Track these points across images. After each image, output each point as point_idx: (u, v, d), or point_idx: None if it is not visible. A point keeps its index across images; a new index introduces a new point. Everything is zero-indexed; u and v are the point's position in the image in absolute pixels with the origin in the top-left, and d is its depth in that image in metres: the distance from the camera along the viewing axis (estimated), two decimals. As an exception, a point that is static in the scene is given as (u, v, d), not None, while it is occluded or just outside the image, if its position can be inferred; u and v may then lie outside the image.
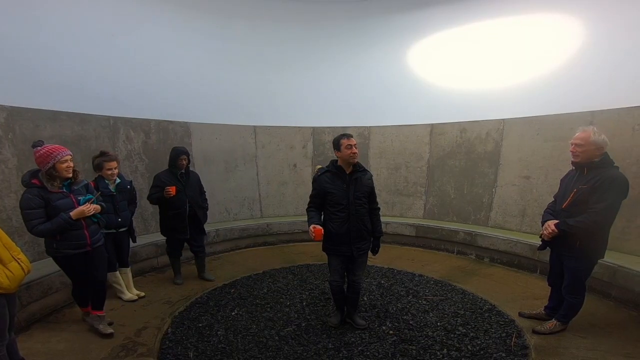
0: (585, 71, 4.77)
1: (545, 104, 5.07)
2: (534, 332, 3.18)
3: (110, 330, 3.22)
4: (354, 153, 3.03)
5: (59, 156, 2.84)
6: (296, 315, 3.61)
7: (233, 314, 3.66)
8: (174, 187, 4.05)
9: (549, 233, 2.99)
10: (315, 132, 6.65)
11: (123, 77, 5.23)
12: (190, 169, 4.58)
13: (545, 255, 4.47)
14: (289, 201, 6.64)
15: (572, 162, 2.98)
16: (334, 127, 6.54)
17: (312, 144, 6.67)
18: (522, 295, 3.98)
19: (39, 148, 2.83)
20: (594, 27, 4.79)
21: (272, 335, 3.24)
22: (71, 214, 2.88)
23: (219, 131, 6.10)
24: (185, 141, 5.76)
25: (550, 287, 3.39)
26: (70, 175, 2.95)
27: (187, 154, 4.28)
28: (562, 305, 3.16)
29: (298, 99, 6.61)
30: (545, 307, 3.43)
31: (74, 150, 4.49)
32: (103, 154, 3.71)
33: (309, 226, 3.01)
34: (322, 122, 6.59)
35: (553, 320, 3.21)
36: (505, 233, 5.11)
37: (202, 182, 4.61)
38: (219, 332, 3.30)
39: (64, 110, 4.49)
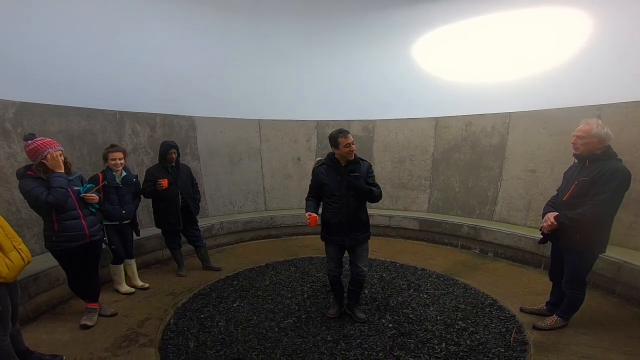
0: (592, 65, 4.66)
1: (551, 98, 4.98)
2: (534, 327, 3.16)
3: (88, 322, 3.26)
4: (352, 151, 3.07)
5: (50, 149, 2.89)
6: (297, 307, 3.65)
7: (235, 305, 3.72)
8: (166, 180, 4.12)
9: (549, 225, 2.96)
10: (319, 125, 6.64)
11: (128, 72, 5.27)
12: (190, 162, 4.61)
13: (549, 251, 4.44)
14: (293, 194, 6.67)
15: (574, 154, 2.96)
16: (338, 120, 6.52)
17: (316, 138, 6.67)
18: (525, 291, 3.94)
19: (29, 142, 2.86)
20: (601, 20, 4.65)
21: (272, 327, 3.28)
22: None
23: (223, 125, 6.14)
24: (190, 135, 5.82)
25: (551, 283, 3.35)
26: (62, 168, 3.01)
27: (177, 148, 4.35)
28: (563, 301, 3.14)
29: (302, 93, 6.59)
30: (547, 303, 3.41)
31: (81, 144, 4.61)
32: (112, 146, 3.80)
33: (305, 214, 3.13)
34: (326, 115, 6.57)
35: (554, 316, 3.18)
36: (509, 227, 5.06)
37: (207, 176, 4.65)
38: (219, 323, 3.36)
39: (71, 105, 4.56)
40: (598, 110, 4.52)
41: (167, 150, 4.26)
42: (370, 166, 3.27)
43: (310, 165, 6.64)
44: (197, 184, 4.72)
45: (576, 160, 3.02)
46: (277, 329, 3.25)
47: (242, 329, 3.26)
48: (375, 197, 3.15)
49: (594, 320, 3.28)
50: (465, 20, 5.78)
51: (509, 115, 5.39)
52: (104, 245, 3.60)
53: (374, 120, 6.51)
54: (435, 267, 4.68)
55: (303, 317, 3.45)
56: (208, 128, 6.01)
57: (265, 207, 6.56)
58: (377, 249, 5.32)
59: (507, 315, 3.43)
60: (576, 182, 2.86)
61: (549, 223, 2.96)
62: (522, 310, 3.50)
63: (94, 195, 3.15)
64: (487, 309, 3.55)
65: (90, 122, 4.75)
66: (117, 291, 4.01)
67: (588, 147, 2.80)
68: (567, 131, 4.76)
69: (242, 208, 6.35)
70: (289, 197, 6.66)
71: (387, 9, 6.13)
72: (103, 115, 4.89)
